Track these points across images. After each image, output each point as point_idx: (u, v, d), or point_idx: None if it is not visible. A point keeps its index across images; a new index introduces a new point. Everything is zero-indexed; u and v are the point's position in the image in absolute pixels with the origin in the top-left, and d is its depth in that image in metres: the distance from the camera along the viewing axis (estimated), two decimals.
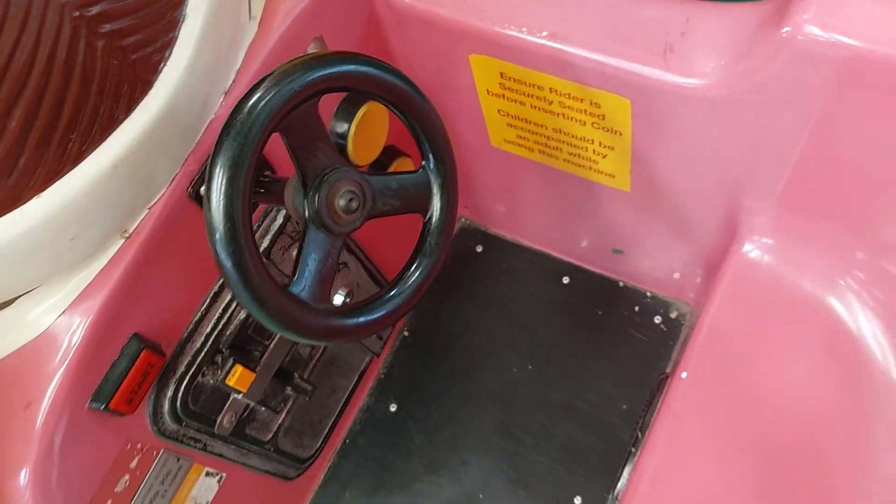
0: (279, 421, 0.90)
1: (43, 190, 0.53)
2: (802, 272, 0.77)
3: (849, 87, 0.59)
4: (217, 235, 0.50)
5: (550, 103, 0.79)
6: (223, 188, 0.50)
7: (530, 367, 1.09)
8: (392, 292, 0.61)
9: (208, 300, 0.73)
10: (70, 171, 0.54)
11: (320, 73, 0.53)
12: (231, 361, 0.76)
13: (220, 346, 0.75)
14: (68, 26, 0.50)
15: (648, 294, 1.09)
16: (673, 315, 1.07)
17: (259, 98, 0.51)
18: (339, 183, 0.57)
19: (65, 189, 0.54)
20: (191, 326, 0.72)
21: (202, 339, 0.73)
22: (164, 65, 0.58)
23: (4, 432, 0.61)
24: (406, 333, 1.15)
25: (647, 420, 0.81)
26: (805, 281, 0.77)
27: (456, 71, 0.83)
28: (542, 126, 0.84)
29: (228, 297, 0.75)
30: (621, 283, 1.11)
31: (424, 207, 0.63)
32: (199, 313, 0.73)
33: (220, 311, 0.74)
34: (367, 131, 0.67)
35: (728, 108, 0.68)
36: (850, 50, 0.56)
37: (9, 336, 0.61)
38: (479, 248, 1.18)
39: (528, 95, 0.80)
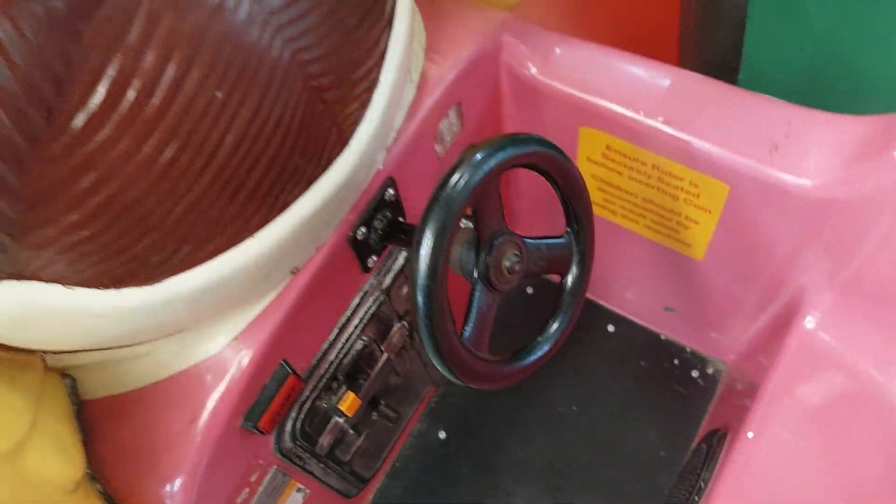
0: (358, 443, 0.95)
1: (254, 234, 0.59)
2: (857, 349, 0.87)
3: None
4: (420, 286, 0.57)
5: (649, 177, 0.88)
6: (431, 250, 0.56)
7: (575, 407, 1.17)
8: (537, 341, 0.69)
9: (336, 331, 0.79)
10: (277, 218, 0.60)
11: (510, 154, 0.61)
12: (344, 388, 0.82)
13: (339, 373, 0.81)
14: (301, 96, 0.57)
15: (688, 349, 1.18)
16: (710, 371, 1.16)
17: (460, 177, 0.58)
18: (504, 247, 0.64)
19: (272, 234, 0.60)
20: (320, 355, 0.78)
21: (326, 366, 0.79)
22: (358, 126, 0.64)
23: (168, 441, 0.66)
24: None
25: (707, 473, 0.89)
26: (860, 358, 0.87)
27: (562, 138, 0.90)
28: (632, 194, 0.93)
29: (350, 330, 0.81)
30: (663, 337, 1.20)
31: (564, 269, 0.71)
32: (328, 342, 0.79)
33: (342, 341, 0.80)
34: None
35: (819, 207, 0.77)
36: None
37: (183, 355, 0.66)
38: (530, 290, 1.26)
39: (628, 167, 0.89)
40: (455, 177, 0.58)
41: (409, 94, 0.75)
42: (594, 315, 1.23)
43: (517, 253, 0.64)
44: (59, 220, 0.48)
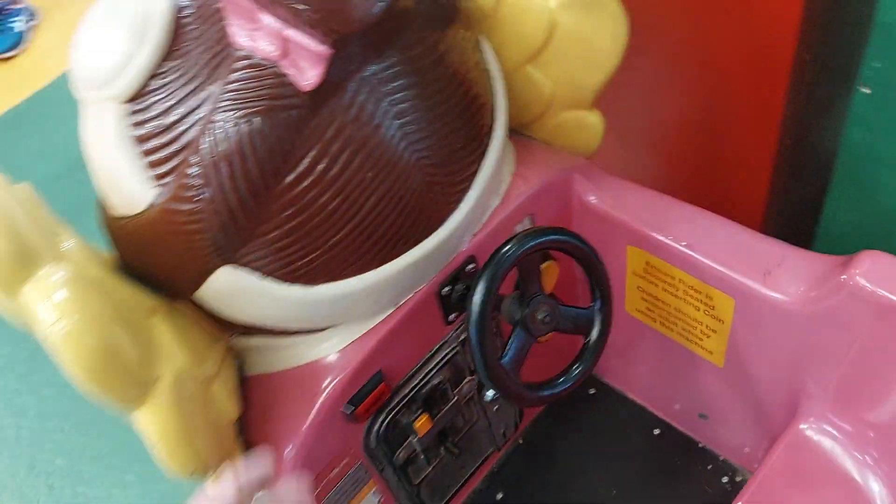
0: (427, 471, 1.20)
1: (376, 268, 0.91)
2: (841, 450, 1.04)
3: (882, 324, 0.90)
4: (473, 322, 0.86)
5: (677, 290, 1.13)
6: (482, 299, 0.86)
7: (615, 491, 1.36)
8: (559, 381, 0.95)
9: (421, 363, 1.08)
10: (392, 261, 0.92)
11: (548, 238, 0.90)
12: (421, 410, 1.09)
13: (418, 396, 1.09)
14: (418, 185, 0.89)
15: (721, 458, 1.36)
16: (738, 479, 1.33)
17: (510, 248, 0.88)
18: (541, 305, 0.92)
19: (387, 270, 0.91)
20: (406, 377, 1.07)
21: (410, 388, 1.07)
22: (453, 213, 0.96)
23: (293, 411, 0.96)
24: (520, 441, 1.45)
25: None
26: (842, 458, 1.04)
27: (614, 254, 1.18)
28: (666, 304, 1.18)
29: (431, 366, 1.09)
30: (700, 444, 1.38)
31: (587, 332, 0.97)
32: (414, 370, 1.07)
33: (423, 373, 1.09)
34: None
35: (801, 320, 0.99)
36: (883, 299, 0.88)
37: (312, 351, 0.97)
38: (592, 391, 1.49)
39: (663, 281, 1.15)
40: (506, 248, 0.88)
41: (496, 201, 1.06)
42: (641, 417, 1.44)
43: (549, 310, 0.92)
44: (268, 234, 0.82)
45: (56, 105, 2.64)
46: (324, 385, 0.96)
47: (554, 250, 0.93)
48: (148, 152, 0.80)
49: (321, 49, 0.73)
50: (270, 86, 0.76)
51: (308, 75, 0.75)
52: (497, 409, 1.27)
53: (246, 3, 0.74)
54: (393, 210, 0.88)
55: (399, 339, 1.00)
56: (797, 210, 1.57)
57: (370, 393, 0.99)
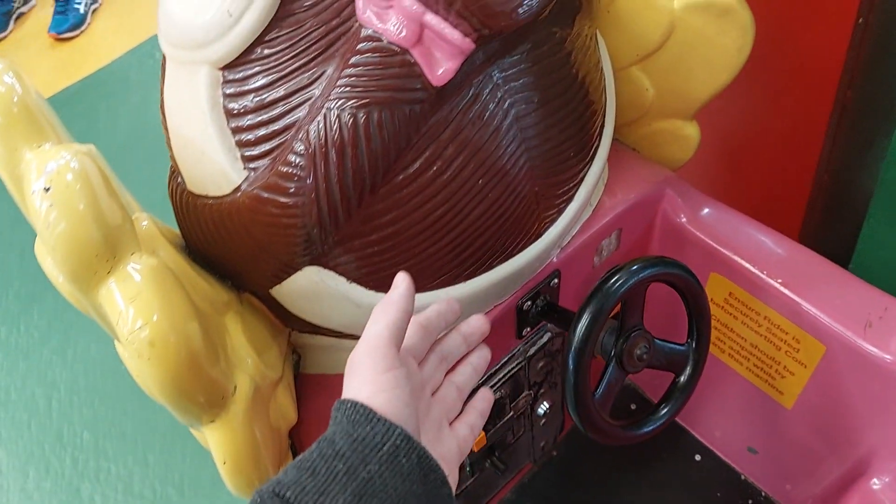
0: (469, 482, 1.14)
1: (466, 280, 0.83)
2: None
3: None
4: (573, 353, 0.78)
5: (759, 326, 1.06)
6: (586, 327, 0.78)
7: None
8: (644, 420, 0.88)
9: (486, 377, 1.01)
10: (482, 275, 0.83)
11: (659, 271, 0.82)
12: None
13: None
14: (526, 194, 0.81)
15: (763, 493, 1.31)
16: None
17: (619, 279, 0.80)
18: (638, 339, 0.85)
19: (476, 284, 0.83)
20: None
21: None
22: (550, 227, 0.88)
23: None
24: (555, 454, 1.39)
25: None
26: None
27: None
28: (742, 338, 1.11)
29: (495, 380, 1.02)
30: (742, 477, 1.33)
31: (680, 370, 0.90)
32: (479, 383, 1.00)
33: (488, 386, 1.02)
34: None
35: (894, 381, 0.93)
36: None
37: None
38: (634, 406, 1.43)
39: (744, 314, 1.08)
40: (616, 277, 0.80)
41: (587, 213, 0.98)
42: (684, 441, 1.38)
43: (646, 346, 0.85)
44: (365, 237, 0.73)
45: (109, 88, 2.68)
46: None
47: (665, 283, 0.85)
48: (242, 129, 0.71)
49: (464, 42, 0.63)
50: (396, 75, 0.66)
51: (441, 69, 0.66)
52: (543, 424, 1.21)
53: None
54: (495, 223, 0.79)
55: None
56: (831, 247, 1.53)
57: None
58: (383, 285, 0.78)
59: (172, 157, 0.79)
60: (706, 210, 1.08)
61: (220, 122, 0.70)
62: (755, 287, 1.03)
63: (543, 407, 1.16)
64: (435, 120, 0.71)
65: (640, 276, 0.81)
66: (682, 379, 0.90)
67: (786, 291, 1.00)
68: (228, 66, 0.70)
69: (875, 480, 1.03)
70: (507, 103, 0.75)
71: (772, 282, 1.01)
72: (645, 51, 0.99)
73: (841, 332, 0.96)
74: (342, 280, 0.76)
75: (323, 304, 0.79)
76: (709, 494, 1.33)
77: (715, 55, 0.96)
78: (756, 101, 1.25)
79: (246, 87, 0.70)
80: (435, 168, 0.72)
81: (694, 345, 0.90)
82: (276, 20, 0.69)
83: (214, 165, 0.72)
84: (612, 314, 0.85)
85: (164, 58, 0.77)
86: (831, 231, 1.45)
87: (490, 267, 0.84)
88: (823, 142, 1.21)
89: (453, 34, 0.63)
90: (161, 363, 0.58)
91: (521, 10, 0.63)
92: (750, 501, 1.30)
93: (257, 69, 0.70)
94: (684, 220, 1.07)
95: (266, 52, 0.69)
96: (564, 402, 0.82)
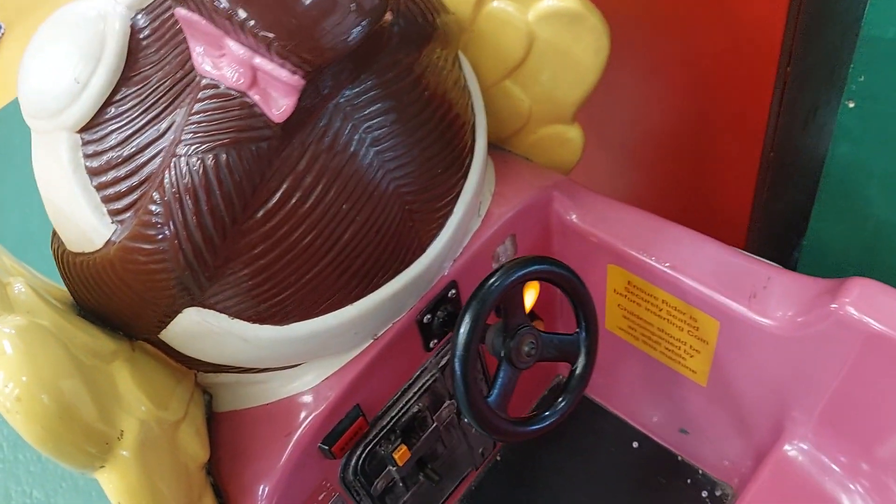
0: (405, 497, 1.17)
1: (353, 302, 0.86)
2: (826, 474, 1.03)
3: (870, 354, 0.88)
4: (458, 356, 0.82)
5: (660, 310, 1.11)
6: (467, 331, 0.82)
7: None
8: (545, 414, 0.91)
9: (399, 393, 1.04)
10: (369, 294, 0.87)
11: (532, 269, 0.86)
12: (399, 440, 1.05)
13: (397, 427, 1.05)
14: (398, 214, 0.85)
15: (700, 471, 1.34)
16: (717, 493, 1.31)
17: (494, 281, 0.84)
18: (525, 336, 0.88)
19: (364, 304, 0.86)
20: (384, 409, 1.02)
21: (388, 419, 1.03)
22: (434, 241, 0.92)
23: (267, 449, 0.91)
24: (498, 458, 1.42)
25: None
26: (827, 481, 1.03)
27: (594, 272, 1.15)
28: (649, 324, 1.15)
29: (410, 395, 1.05)
30: (680, 458, 1.36)
31: (573, 360, 0.94)
32: (392, 400, 1.03)
33: (402, 402, 1.05)
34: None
35: (788, 345, 0.97)
36: (872, 328, 0.86)
37: (288, 386, 0.92)
38: None
39: (645, 301, 1.12)
40: (491, 281, 0.84)
41: (476, 223, 1.02)
42: (621, 431, 1.41)
43: (534, 341, 0.88)
44: (237, 272, 0.77)
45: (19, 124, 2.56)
46: (299, 422, 0.91)
47: (539, 280, 0.89)
48: (104, 185, 0.74)
49: (293, 80, 0.67)
50: (238, 116, 0.70)
51: (279, 105, 0.70)
52: (475, 431, 1.24)
53: (210, 29, 0.68)
54: (371, 242, 0.83)
55: (377, 371, 0.96)
56: (783, 223, 1.57)
57: (348, 429, 0.95)
58: (269, 318, 0.81)
59: (51, 220, 0.82)
60: (595, 207, 1.13)
61: (83, 182, 0.74)
62: (649, 273, 1.07)
63: None
64: (287, 153, 0.74)
65: (511, 278, 0.84)
66: (577, 369, 0.94)
67: (675, 274, 1.04)
68: (85, 129, 0.74)
69: (787, 445, 1.07)
70: (360, 129, 0.79)
71: (661, 267, 1.05)
72: (511, 64, 1.04)
73: (728, 306, 1.00)
74: (224, 317, 0.79)
75: (210, 342, 0.82)
76: (651, 479, 1.36)
77: (575, 60, 1.01)
78: (698, 86, 1.27)
79: (104, 146, 0.73)
80: (295, 198, 0.76)
81: (584, 333, 0.94)
82: (124, 80, 0.73)
83: (84, 224, 0.75)
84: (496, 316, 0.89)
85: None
86: (782, 206, 1.48)
87: (378, 285, 0.87)
88: (767, 119, 1.21)
89: (281, 73, 0.67)
90: (30, 417, 0.61)
91: (337, 44, 0.66)
92: (689, 480, 1.34)
93: (112, 127, 0.73)
94: (575, 218, 1.12)
95: (118, 110, 0.73)
96: (459, 410, 0.85)
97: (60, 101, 0.72)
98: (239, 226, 0.74)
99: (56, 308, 0.75)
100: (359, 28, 0.67)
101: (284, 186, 0.75)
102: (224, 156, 0.70)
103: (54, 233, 0.83)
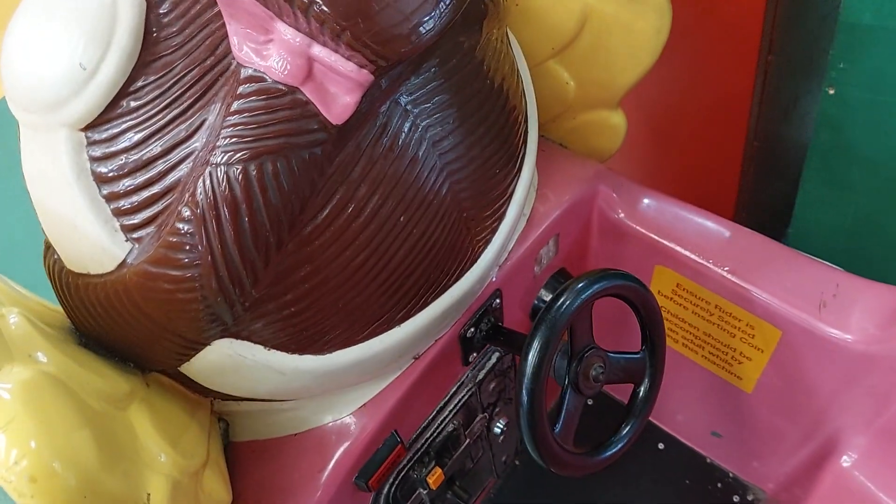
0: None
1: (400, 324, 0.75)
2: (884, 489, 0.97)
3: None
4: (526, 388, 0.72)
5: (711, 315, 1.02)
6: (536, 360, 0.72)
7: None
8: (612, 440, 0.82)
9: (434, 413, 0.94)
10: (416, 315, 0.76)
11: (605, 286, 0.76)
12: (434, 463, 0.95)
13: (431, 448, 0.95)
14: (455, 224, 0.74)
15: (731, 475, 1.28)
16: (749, 498, 1.26)
17: (564, 301, 0.74)
18: (592, 359, 0.79)
19: (412, 326, 0.75)
20: (419, 431, 0.92)
21: (423, 441, 0.93)
22: (486, 248, 0.81)
23: (296, 485, 0.80)
24: (517, 463, 1.33)
25: None
26: (885, 497, 0.97)
27: (638, 272, 1.05)
28: (695, 328, 1.07)
29: (446, 413, 0.95)
30: (708, 460, 1.30)
31: (639, 381, 0.85)
32: (428, 421, 0.93)
33: (438, 421, 0.94)
34: None
35: (858, 359, 0.90)
36: None
37: (320, 414, 0.81)
38: (590, 402, 1.38)
39: (694, 304, 1.03)
40: (560, 301, 0.74)
41: (521, 224, 0.92)
42: (646, 432, 1.33)
43: (602, 365, 0.79)
44: (278, 299, 0.65)
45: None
46: (333, 455, 0.80)
47: (611, 297, 0.79)
48: (116, 196, 0.61)
49: (361, 75, 0.55)
50: (287, 118, 0.57)
51: (339, 104, 0.57)
52: (502, 440, 1.15)
53: (257, 9, 0.55)
54: (424, 258, 0.72)
55: (417, 393, 0.85)
56: (768, 212, 1.52)
57: (385, 458, 0.84)
58: (309, 347, 0.70)
59: (44, 231, 0.68)
60: (643, 202, 1.03)
61: (90, 191, 0.60)
62: (702, 276, 0.99)
63: (500, 425, 1.10)
64: (341, 159, 0.62)
65: (584, 296, 0.74)
66: (643, 389, 0.85)
67: (734, 279, 0.95)
68: (91, 126, 0.60)
69: (845, 458, 1.01)
70: (420, 128, 0.67)
71: (718, 270, 0.96)
72: (560, 43, 0.92)
73: (796, 315, 0.92)
74: (260, 349, 0.67)
75: (242, 376, 0.70)
76: (677, 481, 1.29)
77: (633, 40, 0.90)
78: (680, 77, 1.21)
79: (116, 148, 0.60)
80: (349, 212, 0.64)
81: (649, 352, 0.85)
82: (141, 66, 0.59)
83: (91, 240, 0.62)
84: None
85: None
86: (767, 195, 1.44)
87: (426, 304, 0.76)
88: (750, 108, 1.19)
89: (347, 66, 0.55)
90: (48, 499, 0.49)
91: (420, 32, 0.54)
92: (719, 484, 1.28)
93: (127, 125, 0.60)
94: (622, 215, 1.02)
95: (134, 104, 0.59)
96: (523, 442, 0.75)
97: (61, 92, 0.58)
98: (285, 245, 0.62)
99: (58, 342, 0.62)
100: (443, 17, 0.55)
101: (337, 198, 0.63)
102: (271, 164, 0.57)
103: (48, 245, 0.69)
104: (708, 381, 1.15)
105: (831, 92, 1.08)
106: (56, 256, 0.68)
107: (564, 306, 0.73)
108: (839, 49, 1.03)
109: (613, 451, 0.83)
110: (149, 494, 0.59)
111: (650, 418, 1.35)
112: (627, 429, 0.84)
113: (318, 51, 0.55)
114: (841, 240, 1.30)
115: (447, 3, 0.55)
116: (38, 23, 0.60)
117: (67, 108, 0.59)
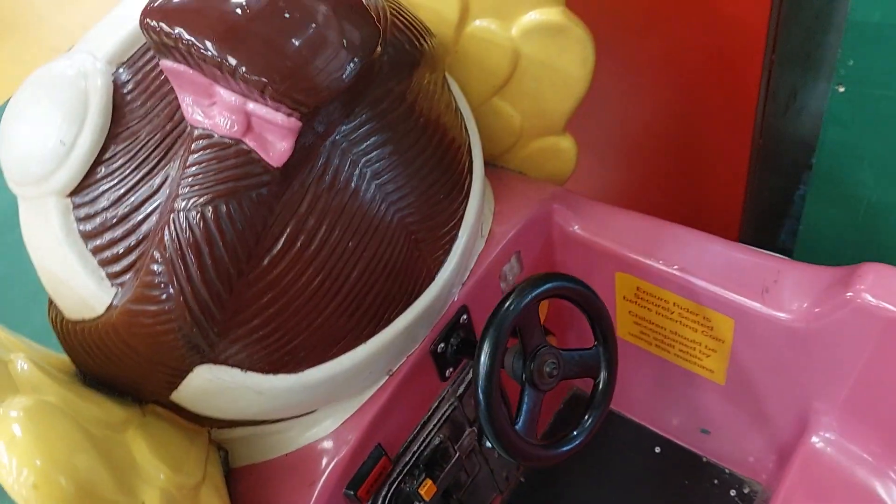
0: None
1: (366, 341, 0.83)
2: (857, 463, 1.02)
3: (890, 338, 0.87)
4: (481, 387, 0.79)
5: (672, 313, 1.09)
6: (487, 359, 0.80)
7: None
8: (574, 434, 0.89)
9: (419, 426, 1.01)
10: (381, 331, 0.84)
11: (546, 288, 0.85)
12: (424, 475, 1.02)
13: (420, 461, 1.02)
14: (404, 245, 0.83)
15: (727, 471, 1.32)
16: (746, 491, 1.30)
17: (509, 305, 0.82)
18: (545, 356, 0.86)
19: (377, 342, 0.84)
20: (405, 444, 1.00)
21: (410, 454, 1.00)
22: (442, 268, 0.90)
23: (288, 500, 0.88)
24: (522, 480, 1.39)
25: None
26: (859, 470, 1.01)
27: (602, 280, 1.13)
28: (661, 328, 1.14)
29: (430, 427, 1.02)
30: (704, 459, 1.34)
31: (595, 374, 0.92)
32: (412, 435, 1.00)
33: (423, 435, 1.02)
34: None
35: (805, 336, 0.96)
36: (891, 313, 0.85)
37: (306, 434, 0.89)
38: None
39: (656, 305, 1.10)
40: (505, 305, 0.82)
41: (480, 245, 1.00)
42: (642, 437, 1.39)
43: (554, 361, 0.86)
44: (246, 324, 0.74)
45: None
46: (322, 468, 0.88)
47: (553, 297, 0.87)
48: (100, 248, 0.71)
49: (290, 122, 0.65)
50: (235, 165, 0.68)
51: (277, 149, 0.68)
52: (498, 456, 1.21)
53: (199, 78, 0.66)
54: (380, 277, 0.81)
55: (396, 407, 0.93)
56: (773, 211, 1.56)
57: (372, 470, 0.92)
58: (282, 367, 0.79)
59: (45, 287, 0.79)
60: (596, 215, 1.11)
61: (78, 248, 0.71)
62: (657, 277, 1.06)
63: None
64: (287, 197, 0.72)
65: (527, 298, 0.82)
66: (601, 382, 0.92)
67: (684, 276, 1.02)
68: (75, 192, 0.71)
69: (815, 437, 1.06)
70: (360, 164, 0.77)
71: (670, 270, 1.03)
72: (498, 82, 1.03)
73: (743, 303, 0.99)
74: (237, 371, 0.77)
75: (224, 398, 0.79)
76: (678, 482, 1.34)
77: (562, 72, 1.00)
78: (684, 80, 1.27)
79: (97, 208, 0.71)
80: (300, 242, 0.73)
81: (602, 346, 0.92)
82: (112, 138, 0.70)
83: (83, 290, 0.72)
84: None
85: None
86: (770, 194, 1.47)
87: (389, 320, 0.85)
88: (756, 106, 1.21)
89: (277, 116, 0.65)
90: (49, 502, 0.58)
91: (331, 82, 0.65)
92: (716, 481, 1.32)
93: (104, 188, 0.71)
94: (578, 229, 1.10)
95: (108, 169, 0.70)
96: (486, 439, 0.83)
97: (46, 166, 0.70)
98: (245, 276, 0.71)
99: (61, 380, 0.72)
100: (352, 65, 0.65)
101: (288, 231, 0.73)
102: (224, 206, 0.68)
103: (51, 301, 0.80)
104: (687, 379, 1.20)
105: (840, 90, 1.09)
106: (57, 309, 0.79)
107: (510, 309, 0.81)
108: (848, 46, 1.04)
109: (577, 442, 0.89)
110: (143, 503, 0.68)
111: (645, 423, 1.41)
112: (589, 420, 0.91)
113: (252, 106, 0.66)
114: (851, 237, 1.32)
115: (354, 59, 0.65)
116: (26, 110, 0.72)
117: (54, 178, 0.70)
